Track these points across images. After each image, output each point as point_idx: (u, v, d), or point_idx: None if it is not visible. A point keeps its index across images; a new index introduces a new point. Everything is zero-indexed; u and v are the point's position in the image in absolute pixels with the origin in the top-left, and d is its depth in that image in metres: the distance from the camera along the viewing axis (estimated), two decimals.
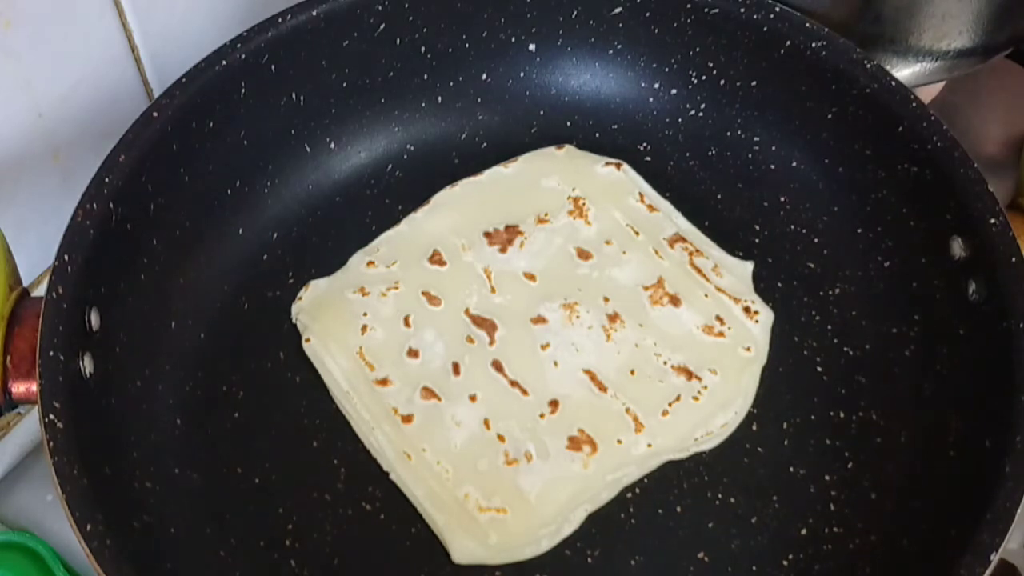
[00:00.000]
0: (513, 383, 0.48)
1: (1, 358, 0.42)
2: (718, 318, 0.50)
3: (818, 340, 0.50)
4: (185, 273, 0.50)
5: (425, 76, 0.56)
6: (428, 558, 0.45)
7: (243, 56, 0.50)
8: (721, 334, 0.50)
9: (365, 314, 0.50)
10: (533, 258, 0.52)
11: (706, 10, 0.53)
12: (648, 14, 0.55)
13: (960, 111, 0.67)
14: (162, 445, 0.46)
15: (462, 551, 0.44)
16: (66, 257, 0.43)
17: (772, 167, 0.55)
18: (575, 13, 0.56)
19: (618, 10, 0.55)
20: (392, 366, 0.48)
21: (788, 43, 0.52)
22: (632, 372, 0.48)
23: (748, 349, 0.49)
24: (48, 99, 0.53)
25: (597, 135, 0.57)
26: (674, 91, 0.56)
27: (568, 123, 0.57)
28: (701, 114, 0.56)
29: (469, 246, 0.52)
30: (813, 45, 0.51)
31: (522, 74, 0.57)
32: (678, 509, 0.46)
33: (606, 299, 0.50)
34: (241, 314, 0.51)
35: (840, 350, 0.50)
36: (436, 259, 0.51)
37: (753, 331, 0.50)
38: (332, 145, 0.55)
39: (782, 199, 0.54)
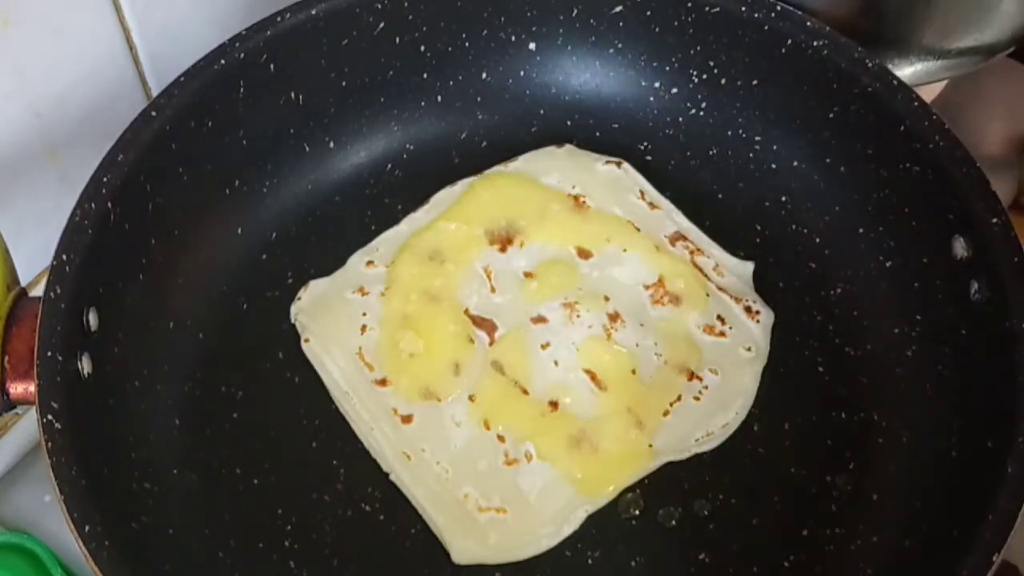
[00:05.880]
0: (513, 383, 0.48)
1: None
2: (719, 318, 0.50)
3: (819, 340, 0.50)
4: (184, 273, 0.49)
5: (425, 75, 0.56)
6: (428, 558, 0.45)
7: (242, 55, 0.50)
8: (722, 334, 0.50)
9: (364, 314, 0.49)
10: (533, 257, 0.52)
11: (707, 9, 0.53)
12: (649, 13, 0.55)
13: (962, 110, 0.66)
14: (161, 446, 0.46)
15: (462, 551, 0.44)
16: (64, 257, 0.43)
17: (773, 166, 0.55)
18: (575, 12, 0.56)
19: (618, 9, 0.55)
20: (391, 366, 0.48)
21: (789, 42, 0.52)
22: (633, 372, 0.48)
23: (749, 349, 0.49)
24: (46, 98, 0.53)
25: (597, 134, 0.57)
26: (675, 90, 0.56)
27: (568, 122, 0.57)
28: (702, 113, 0.56)
29: (469, 246, 0.52)
30: (815, 44, 0.51)
31: (522, 73, 0.57)
32: (679, 510, 0.46)
33: (606, 298, 0.50)
34: (240, 314, 0.50)
35: (841, 350, 0.50)
36: (436, 259, 0.51)
37: (754, 331, 0.50)
38: (331, 144, 0.55)
39: (783, 199, 0.54)
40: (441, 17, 0.54)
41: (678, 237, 0.52)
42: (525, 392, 0.48)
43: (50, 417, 0.39)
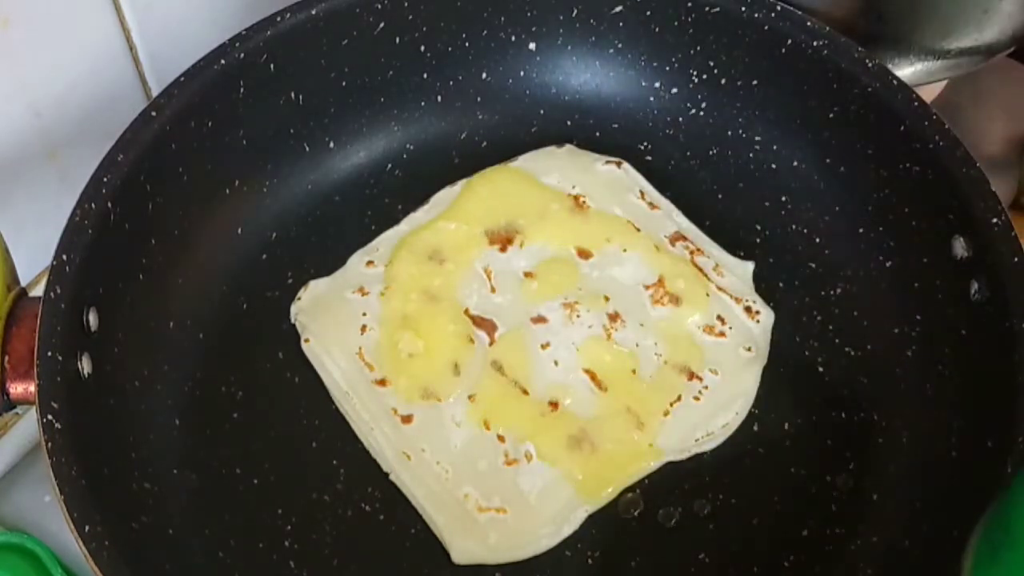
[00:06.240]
0: (513, 383, 0.48)
1: None
2: (719, 318, 0.50)
3: (819, 340, 0.50)
4: (184, 273, 0.49)
5: (425, 75, 0.56)
6: (428, 558, 0.45)
7: (242, 55, 0.50)
8: (722, 334, 0.49)
9: (364, 314, 0.49)
10: (533, 257, 0.52)
11: (707, 9, 0.53)
12: (649, 13, 0.55)
13: (962, 110, 0.66)
14: (161, 446, 0.46)
15: (462, 551, 0.44)
16: (64, 257, 0.43)
17: (773, 166, 0.55)
18: (575, 12, 0.56)
19: (618, 9, 0.55)
20: (391, 366, 0.48)
21: (789, 42, 0.52)
22: (633, 372, 0.48)
23: (749, 349, 0.49)
24: (46, 98, 0.53)
25: (597, 134, 0.57)
26: (675, 90, 0.56)
27: (568, 122, 0.57)
28: (702, 113, 0.56)
29: (469, 245, 0.52)
30: (815, 44, 0.51)
31: (522, 73, 0.57)
32: (679, 509, 0.46)
33: (606, 298, 0.50)
34: (240, 314, 0.50)
35: (841, 350, 0.50)
36: (436, 259, 0.51)
37: (754, 331, 0.50)
38: (331, 144, 0.55)
39: (783, 199, 0.54)
40: (441, 17, 0.54)
41: (678, 237, 0.52)
42: (525, 392, 0.48)
43: (50, 417, 0.39)
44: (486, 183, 0.54)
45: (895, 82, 0.50)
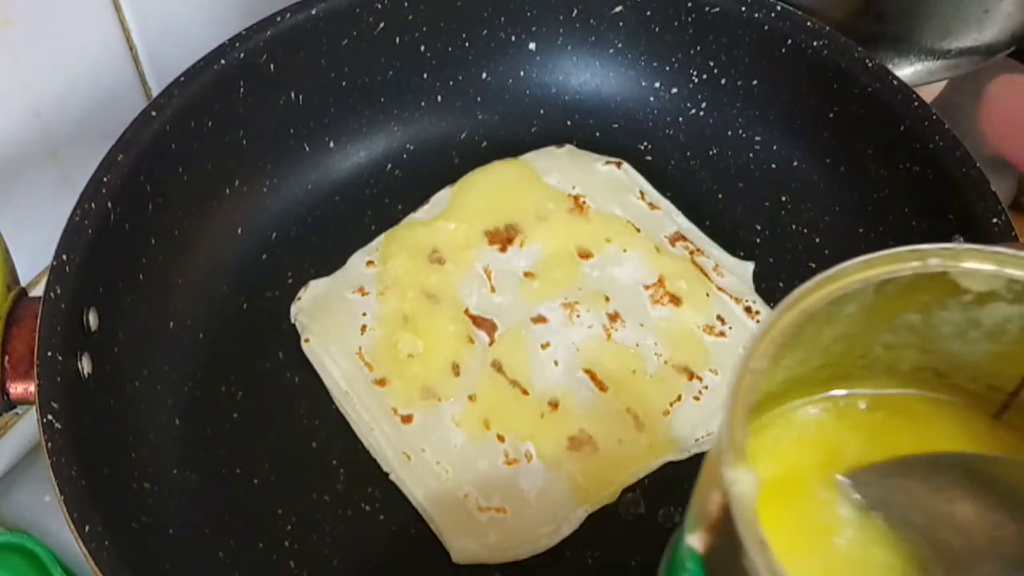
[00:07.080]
0: (513, 383, 0.48)
1: None
2: (719, 318, 0.50)
3: None
4: (184, 273, 0.49)
5: (425, 75, 0.56)
6: (428, 558, 0.45)
7: (242, 55, 0.50)
8: (722, 334, 0.49)
9: (364, 314, 0.49)
10: (533, 257, 0.52)
11: (707, 9, 0.53)
12: (649, 13, 0.55)
13: (962, 110, 0.66)
14: (161, 446, 0.46)
15: (462, 551, 0.44)
16: (64, 257, 0.43)
17: (773, 166, 0.55)
18: (575, 12, 0.56)
19: (618, 9, 0.55)
20: (391, 366, 0.48)
21: (789, 42, 0.52)
22: (633, 372, 0.48)
23: None
24: (46, 98, 0.53)
25: (597, 134, 0.57)
26: (675, 90, 0.56)
27: (568, 122, 0.57)
28: (702, 113, 0.56)
29: (469, 245, 0.52)
30: (814, 44, 0.51)
31: (522, 73, 0.57)
32: (679, 509, 0.46)
33: (607, 298, 0.50)
34: (240, 314, 0.50)
35: None
36: (436, 259, 0.51)
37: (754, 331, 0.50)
38: (331, 144, 0.55)
39: (783, 199, 0.54)
40: (441, 17, 0.54)
41: (678, 237, 0.52)
42: (525, 392, 0.48)
43: (50, 417, 0.39)
44: (484, 175, 0.54)
45: (895, 82, 0.50)
